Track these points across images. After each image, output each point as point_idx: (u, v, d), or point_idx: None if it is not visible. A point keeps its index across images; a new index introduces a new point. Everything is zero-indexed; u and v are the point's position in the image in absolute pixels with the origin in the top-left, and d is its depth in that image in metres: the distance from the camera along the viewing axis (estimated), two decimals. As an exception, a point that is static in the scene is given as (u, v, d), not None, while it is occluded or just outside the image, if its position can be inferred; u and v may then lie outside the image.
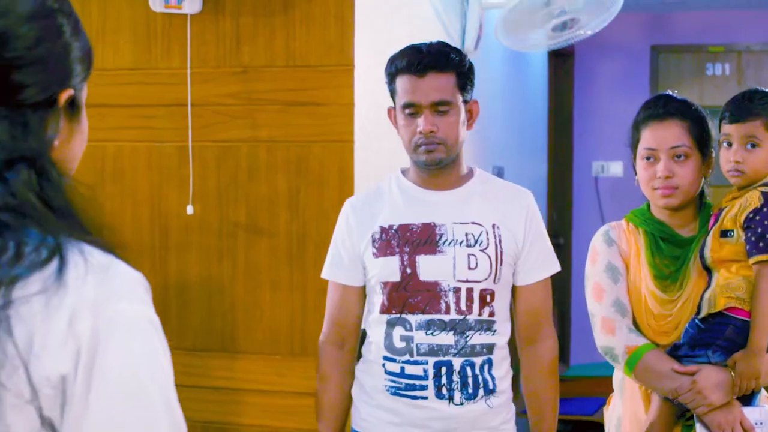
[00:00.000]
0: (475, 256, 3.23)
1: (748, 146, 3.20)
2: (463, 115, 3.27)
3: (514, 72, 7.42)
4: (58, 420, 1.32)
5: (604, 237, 3.43)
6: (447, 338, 3.21)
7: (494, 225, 3.27)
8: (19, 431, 1.29)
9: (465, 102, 3.28)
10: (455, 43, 5.18)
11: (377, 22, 4.44)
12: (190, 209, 4.34)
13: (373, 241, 3.30)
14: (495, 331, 3.26)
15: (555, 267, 3.40)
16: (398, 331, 3.26)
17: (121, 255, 1.47)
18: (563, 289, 8.68)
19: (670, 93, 3.42)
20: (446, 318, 3.21)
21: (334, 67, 4.19)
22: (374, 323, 3.33)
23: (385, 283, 3.27)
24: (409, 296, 3.24)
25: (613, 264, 3.37)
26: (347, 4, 4.18)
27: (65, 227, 1.39)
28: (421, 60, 3.21)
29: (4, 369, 1.28)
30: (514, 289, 3.36)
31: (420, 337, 3.22)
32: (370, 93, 4.30)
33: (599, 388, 3.46)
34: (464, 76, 3.26)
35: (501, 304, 3.29)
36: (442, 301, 3.21)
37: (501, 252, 3.25)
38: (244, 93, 4.32)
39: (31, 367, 1.29)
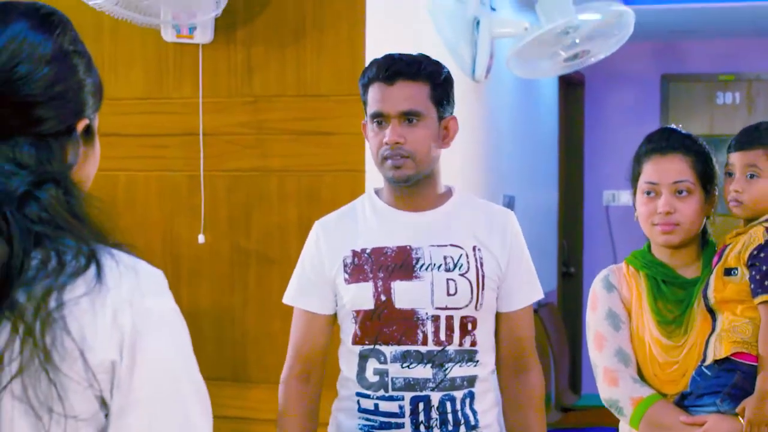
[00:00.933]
0: (454, 281, 2.99)
1: (748, 176, 3.10)
2: (436, 130, 3.02)
3: (525, 101, 7.43)
4: (109, 400, 1.58)
5: (603, 282, 3.26)
6: (424, 371, 2.96)
7: (475, 247, 3.04)
8: (82, 413, 1.54)
9: (441, 118, 3.04)
10: (466, 71, 5.19)
11: (388, 52, 4.45)
12: (201, 238, 4.35)
13: (345, 266, 3.04)
14: (477, 361, 3.02)
15: (539, 293, 3.17)
16: (372, 364, 3.01)
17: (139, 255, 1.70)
18: (574, 316, 8.65)
19: (675, 127, 3.31)
20: (423, 349, 2.96)
21: (345, 97, 4.20)
22: (346, 355, 3.09)
23: (358, 312, 3.02)
24: (383, 325, 2.99)
25: (614, 311, 3.20)
26: (358, 33, 4.19)
27: (92, 235, 1.64)
28: (391, 66, 3.00)
29: (65, 361, 1.52)
30: (497, 316, 3.11)
31: (395, 371, 2.97)
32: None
33: (610, 418, 3.29)
34: (440, 88, 3.03)
35: (484, 333, 3.05)
36: (419, 331, 2.96)
37: (483, 276, 3.01)
38: (256, 122, 4.33)
39: (87, 357, 1.54)
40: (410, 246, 3.02)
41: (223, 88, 4.37)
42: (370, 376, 3.01)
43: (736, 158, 3.14)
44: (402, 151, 2.96)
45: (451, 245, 3.03)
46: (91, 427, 1.57)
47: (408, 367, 2.97)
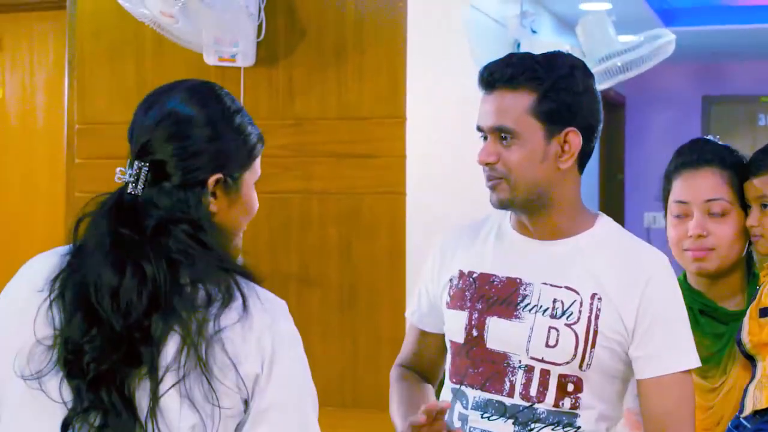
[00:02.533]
0: (557, 330, 2.48)
1: (762, 206, 2.70)
2: (539, 149, 2.48)
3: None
4: (251, 402, 1.99)
5: None
6: (505, 427, 2.50)
7: (594, 295, 2.48)
8: (230, 410, 1.96)
9: (552, 134, 2.49)
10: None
11: (429, 74, 4.46)
12: (241, 260, 4.35)
13: (450, 287, 2.65)
14: (579, 428, 2.49)
15: (686, 361, 2.50)
16: (457, 407, 2.59)
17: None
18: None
19: (711, 137, 2.91)
20: (508, 401, 2.51)
21: (386, 119, 4.20)
22: (445, 390, 2.69)
23: (452, 343, 2.63)
24: (470, 365, 2.56)
25: None
26: (399, 56, 4.20)
27: (219, 262, 2.04)
28: (493, 72, 2.51)
29: (222, 371, 1.94)
30: (638, 384, 2.54)
31: (474, 420, 2.54)
32: (423, 145, 4.31)
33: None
34: (552, 96, 2.48)
35: (594, 397, 2.50)
36: (506, 380, 2.51)
37: (595, 332, 2.46)
38: (297, 145, 4.34)
39: (238, 369, 1.95)
40: (521, 279, 2.55)
41: (265, 110, 4.39)
42: (455, 420, 2.60)
43: (750, 188, 2.75)
44: (495, 173, 2.50)
45: (567, 288, 2.51)
46: (235, 420, 1.99)
47: (488, 418, 2.53)
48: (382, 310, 4.16)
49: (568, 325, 2.47)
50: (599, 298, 2.48)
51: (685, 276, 2.83)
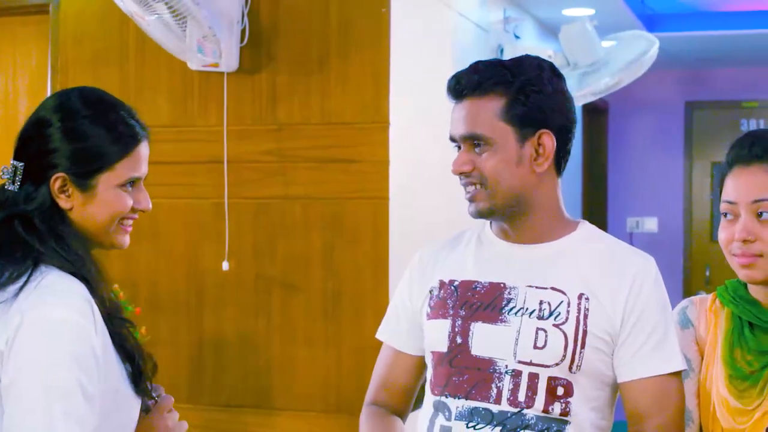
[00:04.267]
0: (545, 331, 2.41)
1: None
2: (513, 153, 2.43)
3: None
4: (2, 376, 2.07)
5: (680, 316, 2.60)
6: None
7: (581, 295, 2.42)
8: None
9: (525, 137, 2.44)
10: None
11: (412, 80, 4.47)
12: (225, 265, 4.35)
13: (430, 298, 2.57)
14: None
15: (673, 363, 2.43)
16: (439, 420, 2.48)
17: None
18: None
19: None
20: (495, 408, 2.40)
21: (369, 125, 4.21)
22: (425, 404, 2.57)
23: (433, 353, 2.53)
24: (453, 374, 2.46)
25: (684, 354, 2.50)
26: (382, 62, 4.21)
27: (43, 256, 2.15)
28: (460, 80, 2.48)
29: None
30: (620, 388, 2.47)
31: (459, 430, 2.43)
32: (406, 150, 4.32)
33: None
34: (522, 99, 2.43)
35: (583, 403, 2.42)
36: (493, 386, 2.42)
37: (584, 331, 2.40)
38: (280, 150, 4.34)
39: None
40: (504, 284, 2.48)
41: (248, 116, 4.39)
42: None
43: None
44: (472, 179, 2.46)
45: (552, 288, 2.45)
46: None
47: (474, 428, 2.42)
48: (366, 316, 4.16)
49: (557, 326, 2.41)
50: (587, 298, 2.42)
51: (744, 284, 2.52)
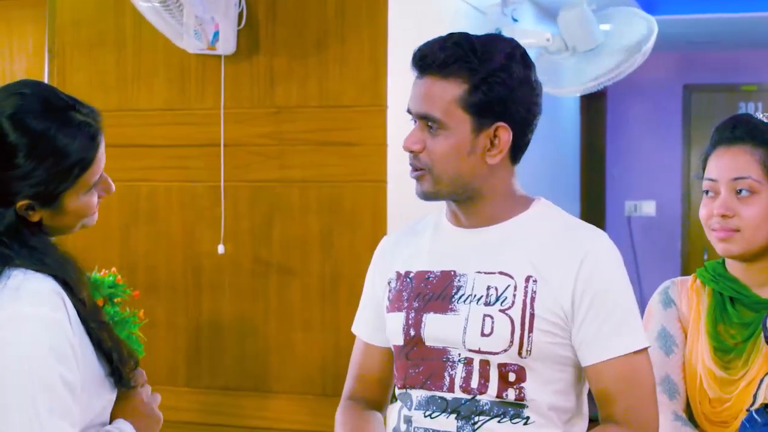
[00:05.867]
0: (491, 317, 2.34)
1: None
2: (466, 142, 2.36)
3: (546, 112, 7.41)
4: None
5: (661, 296, 2.72)
6: (447, 423, 2.37)
7: (529, 278, 2.35)
8: None
9: (479, 128, 2.35)
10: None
11: (410, 63, 4.45)
12: (221, 249, 4.35)
13: (389, 291, 2.53)
14: (528, 419, 2.35)
15: (636, 341, 2.35)
16: (403, 410, 2.47)
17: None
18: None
19: (752, 113, 2.73)
20: (449, 396, 2.38)
21: (367, 108, 4.20)
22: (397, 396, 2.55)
23: (394, 347, 2.50)
24: (410, 366, 2.44)
25: (668, 331, 2.64)
26: (380, 45, 4.20)
27: (22, 263, 2.13)
28: (425, 55, 2.39)
29: None
30: (584, 371, 2.40)
31: (418, 419, 2.41)
32: (404, 133, 4.29)
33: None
34: (484, 88, 2.33)
35: (542, 388, 2.36)
36: (446, 374, 2.39)
37: (531, 315, 2.33)
38: (277, 133, 4.33)
39: None
40: (455, 271, 2.42)
41: (245, 99, 4.38)
42: (401, 423, 2.47)
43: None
44: (418, 162, 2.42)
45: (500, 273, 2.38)
46: None
47: (430, 416, 2.40)
48: (363, 299, 4.16)
49: (503, 311, 2.34)
50: (534, 280, 2.34)
51: (723, 260, 2.67)
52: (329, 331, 4.27)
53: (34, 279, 2.12)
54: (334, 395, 4.25)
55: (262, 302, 4.37)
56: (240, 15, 4.31)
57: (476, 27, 5.20)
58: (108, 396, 2.23)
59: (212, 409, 4.42)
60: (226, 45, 4.29)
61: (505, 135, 2.36)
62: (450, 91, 2.34)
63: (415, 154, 2.41)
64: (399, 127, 4.25)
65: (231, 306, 4.41)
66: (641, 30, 5.24)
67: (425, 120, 2.38)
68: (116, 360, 2.22)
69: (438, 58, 2.36)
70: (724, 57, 9.37)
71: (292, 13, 4.32)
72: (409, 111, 2.43)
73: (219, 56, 4.35)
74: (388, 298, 2.52)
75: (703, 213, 2.61)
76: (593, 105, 9.09)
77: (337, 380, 4.24)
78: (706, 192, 2.61)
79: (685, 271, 9.10)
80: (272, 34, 4.35)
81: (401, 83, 4.28)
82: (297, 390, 4.34)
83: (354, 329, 2.68)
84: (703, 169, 2.66)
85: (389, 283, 2.53)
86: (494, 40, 2.41)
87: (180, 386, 4.40)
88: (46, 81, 4.68)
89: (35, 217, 2.19)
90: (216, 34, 4.25)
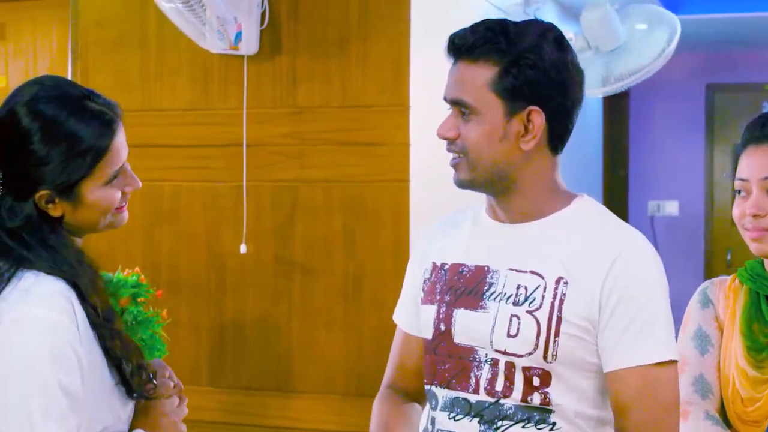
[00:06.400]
0: (518, 318, 2.26)
1: None
2: (498, 127, 2.28)
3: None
4: None
5: (699, 296, 2.68)
6: (470, 426, 2.30)
7: (560, 279, 2.25)
8: None
9: (512, 112, 2.28)
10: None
11: (432, 63, 4.45)
12: (243, 248, 4.36)
13: (424, 281, 2.47)
14: (554, 425, 2.26)
15: (658, 352, 2.22)
16: (428, 410, 2.42)
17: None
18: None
19: None
20: (473, 398, 2.30)
21: (389, 107, 4.20)
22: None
23: (424, 341, 2.43)
24: (438, 362, 2.37)
25: (704, 331, 2.61)
26: (403, 44, 4.19)
27: (36, 263, 2.14)
28: (454, 41, 2.35)
29: None
30: (605, 378, 2.28)
31: (441, 421, 2.35)
32: (426, 133, 4.30)
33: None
34: (515, 71, 2.26)
35: (566, 393, 2.27)
36: (472, 375, 2.31)
37: (558, 318, 2.23)
38: (300, 133, 4.34)
39: None
40: (488, 267, 2.35)
41: (268, 99, 4.38)
42: (427, 424, 2.41)
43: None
44: (454, 147, 2.34)
45: (531, 272, 2.29)
46: None
47: (454, 419, 2.33)
48: (386, 299, 4.16)
49: (530, 312, 2.25)
50: (565, 282, 2.25)
51: (761, 263, 2.63)
52: (352, 331, 4.27)
53: (46, 281, 2.12)
54: (357, 395, 4.26)
55: (284, 302, 4.38)
56: (262, 15, 4.31)
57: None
58: (120, 406, 2.21)
59: (235, 408, 4.43)
60: (249, 45, 4.29)
61: (538, 119, 2.28)
62: (481, 75, 2.27)
63: (450, 141, 2.34)
64: (421, 126, 4.25)
65: (254, 305, 4.42)
66: (664, 30, 5.22)
67: (458, 106, 2.32)
68: (126, 370, 2.20)
69: (467, 42, 2.30)
70: (747, 56, 9.33)
71: (315, 13, 4.32)
72: (445, 98, 2.37)
73: (241, 56, 4.36)
74: (423, 289, 2.45)
75: (735, 213, 2.58)
76: (616, 104, 9.07)
77: (360, 380, 4.25)
78: (738, 192, 2.58)
79: (708, 271, 9.06)
80: (294, 34, 4.35)
81: (423, 83, 4.28)
82: (320, 390, 4.34)
83: (395, 317, 2.62)
84: (734, 168, 2.63)
85: (425, 273, 2.47)
86: (529, 23, 2.33)
87: (203, 386, 4.41)
88: (69, 81, 4.70)
89: (56, 211, 2.19)
90: (238, 35, 4.25)
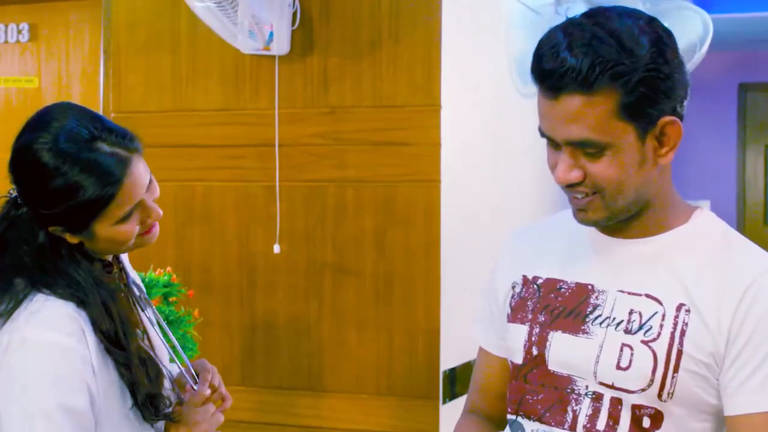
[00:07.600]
0: (631, 348, 1.98)
1: None
2: (635, 153, 1.98)
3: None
4: None
5: None
6: None
7: (681, 306, 1.98)
8: None
9: (645, 131, 1.99)
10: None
11: (464, 63, 4.45)
12: (276, 248, 4.36)
13: (512, 296, 2.21)
14: None
15: None
16: None
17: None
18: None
19: None
20: None
21: (421, 107, 4.20)
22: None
23: (511, 364, 2.18)
24: (528, 391, 2.11)
25: None
26: (434, 44, 4.19)
27: (49, 286, 2.15)
28: (552, 73, 1.93)
29: None
30: (726, 423, 2.00)
31: None
32: (457, 133, 4.30)
33: None
34: (641, 89, 1.92)
35: None
36: (569, 409, 2.04)
37: (679, 352, 1.95)
38: (332, 133, 4.34)
39: None
40: (593, 286, 2.08)
41: (299, 99, 4.39)
42: None
43: None
44: (583, 187, 2.01)
45: (647, 296, 2.01)
46: None
47: None
48: (417, 299, 4.16)
49: (646, 342, 1.97)
50: (687, 310, 1.97)
51: None
52: (383, 331, 4.27)
53: (54, 304, 2.13)
54: (388, 395, 4.26)
55: (316, 302, 4.38)
56: (294, 15, 4.32)
57: (530, 26, 5.18)
58: (143, 427, 2.23)
59: (266, 407, 4.44)
60: (280, 45, 4.30)
61: (674, 127, 2.04)
62: (603, 105, 1.93)
63: (576, 188, 2.02)
64: (452, 126, 4.25)
65: (285, 305, 4.43)
66: (697, 29, 5.20)
67: (582, 147, 1.97)
68: (138, 392, 2.19)
69: (580, 72, 1.91)
70: (780, 55, 9.29)
71: (346, 13, 4.33)
72: (544, 134, 2.03)
73: (273, 56, 4.37)
74: (510, 305, 2.20)
75: None
76: (647, 104, 9.05)
77: (391, 380, 4.25)
78: None
79: (741, 272, 9.01)
80: (326, 35, 4.35)
81: (455, 83, 4.28)
82: (351, 389, 4.34)
83: (473, 332, 2.38)
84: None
85: (513, 287, 2.22)
86: (630, 30, 1.96)
87: (234, 385, 4.42)
88: (101, 82, 4.72)
89: (73, 239, 2.22)
90: (271, 35, 4.26)
